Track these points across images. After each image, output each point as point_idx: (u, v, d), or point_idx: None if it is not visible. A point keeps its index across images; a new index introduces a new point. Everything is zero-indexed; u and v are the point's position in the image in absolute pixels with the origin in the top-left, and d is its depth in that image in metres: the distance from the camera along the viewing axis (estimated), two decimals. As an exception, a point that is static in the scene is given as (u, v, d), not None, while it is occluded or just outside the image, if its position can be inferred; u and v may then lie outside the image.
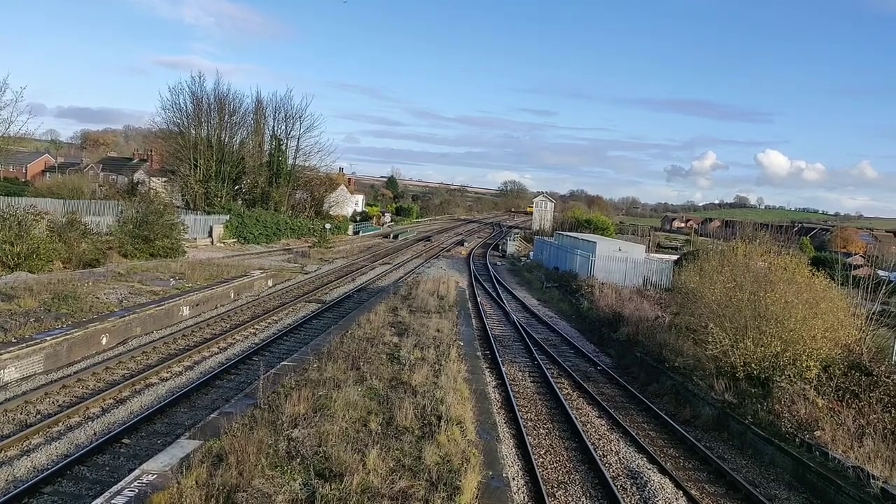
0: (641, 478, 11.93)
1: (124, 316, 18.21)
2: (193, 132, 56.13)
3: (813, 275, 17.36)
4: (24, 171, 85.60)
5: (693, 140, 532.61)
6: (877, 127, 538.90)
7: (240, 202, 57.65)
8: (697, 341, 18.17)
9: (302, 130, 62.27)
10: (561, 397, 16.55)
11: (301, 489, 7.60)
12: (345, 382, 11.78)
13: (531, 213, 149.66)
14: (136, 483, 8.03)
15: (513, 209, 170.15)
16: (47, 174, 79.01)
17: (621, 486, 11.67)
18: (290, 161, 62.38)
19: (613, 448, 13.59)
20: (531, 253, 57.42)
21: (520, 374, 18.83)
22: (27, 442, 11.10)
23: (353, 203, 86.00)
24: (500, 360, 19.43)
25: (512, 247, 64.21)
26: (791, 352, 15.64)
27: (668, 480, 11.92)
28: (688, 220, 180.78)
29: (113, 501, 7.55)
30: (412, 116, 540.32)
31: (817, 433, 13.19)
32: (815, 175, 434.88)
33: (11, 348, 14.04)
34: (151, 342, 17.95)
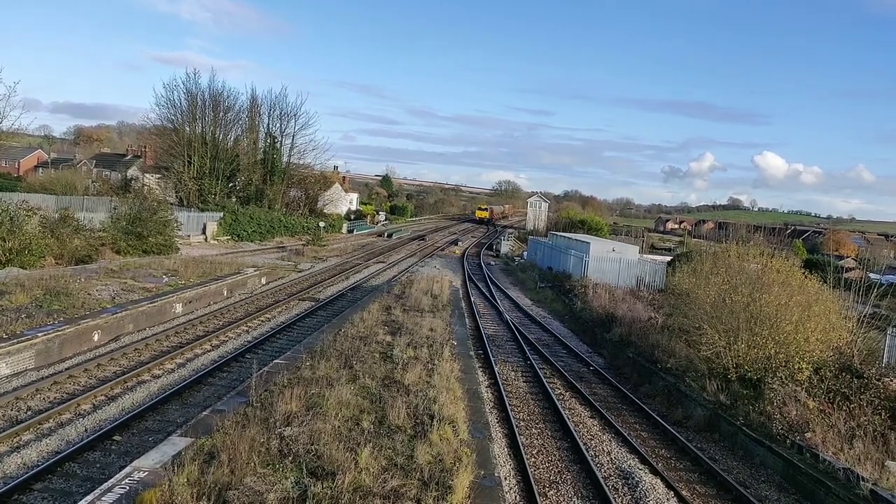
0: (633, 478, 11.97)
1: (116, 313, 18.13)
2: (188, 129, 55.88)
3: (806, 277, 17.45)
4: (16, 166, 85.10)
5: (689, 141, 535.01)
6: (875, 130, 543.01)
7: (234, 199, 57.42)
8: (690, 343, 18.24)
9: (297, 128, 62.14)
10: (553, 397, 16.57)
11: (293, 487, 7.58)
12: (337, 381, 11.76)
13: (480, 216, 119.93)
14: (127, 480, 8.00)
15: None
16: (40, 170, 78.54)
17: (613, 486, 11.71)
18: (284, 159, 62.18)
19: (605, 448, 13.62)
20: (525, 253, 57.49)
21: (512, 373, 18.84)
22: (17, 438, 11.04)
23: (347, 201, 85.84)
24: (493, 359, 19.44)
25: (506, 247, 64.27)
26: (784, 354, 15.72)
27: (659, 481, 11.96)
28: (681, 222, 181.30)
29: (104, 498, 7.52)
30: (409, 115, 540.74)
31: (808, 435, 13.26)
32: (811, 178, 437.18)
33: (3, 344, 13.95)
34: (144, 339, 17.88)
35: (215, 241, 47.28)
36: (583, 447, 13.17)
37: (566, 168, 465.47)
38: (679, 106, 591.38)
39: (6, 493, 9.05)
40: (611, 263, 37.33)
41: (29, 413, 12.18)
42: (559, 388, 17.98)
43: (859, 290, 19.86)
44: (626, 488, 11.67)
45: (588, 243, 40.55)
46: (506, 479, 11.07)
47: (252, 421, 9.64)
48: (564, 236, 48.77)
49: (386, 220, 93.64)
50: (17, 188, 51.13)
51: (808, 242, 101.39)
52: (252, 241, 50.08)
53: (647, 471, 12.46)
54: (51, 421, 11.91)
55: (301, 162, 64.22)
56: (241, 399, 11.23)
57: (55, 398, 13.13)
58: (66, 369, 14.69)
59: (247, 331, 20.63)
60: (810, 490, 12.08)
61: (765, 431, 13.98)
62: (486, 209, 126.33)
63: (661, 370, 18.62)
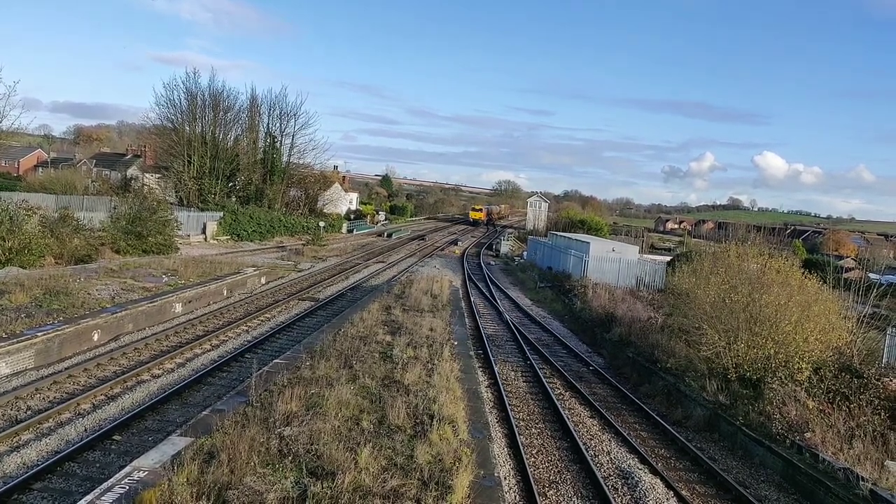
0: (633, 478, 11.98)
1: (116, 312, 18.13)
2: (188, 128, 55.91)
3: (805, 277, 17.46)
4: (16, 165, 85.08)
5: (689, 141, 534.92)
6: (875, 130, 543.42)
7: (234, 199, 57.43)
8: (690, 343, 18.24)
9: (297, 128, 62.24)
10: (553, 397, 16.57)
11: (293, 487, 7.59)
12: (337, 381, 11.77)
13: (475, 217, 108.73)
14: (126, 480, 8.00)
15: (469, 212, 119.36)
16: (40, 169, 78.49)
17: (612, 485, 11.71)
18: (284, 158, 62.23)
19: (605, 448, 13.63)
20: (525, 253, 57.51)
21: (512, 373, 18.84)
22: (17, 438, 11.04)
23: (347, 201, 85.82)
24: (492, 359, 19.44)
25: (506, 246, 64.30)
26: (783, 354, 15.72)
27: (658, 481, 11.97)
28: (681, 222, 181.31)
29: (103, 498, 7.52)
30: (409, 115, 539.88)
31: (808, 435, 13.27)
32: (811, 178, 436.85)
33: (2, 344, 13.95)
34: (143, 339, 17.87)
35: (215, 241, 47.28)
36: (582, 447, 13.18)
37: (566, 168, 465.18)
38: (679, 106, 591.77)
39: (6, 493, 9.05)
40: (610, 263, 37.34)
41: (29, 413, 12.17)
42: (559, 388, 17.98)
43: (859, 290, 19.88)
44: (625, 488, 11.67)
45: (588, 243, 40.56)
46: (505, 478, 11.07)
47: (252, 421, 9.64)
48: (564, 236, 48.78)
49: (386, 219, 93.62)
50: (16, 188, 51.14)
51: (808, 242, 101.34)
52: (252, 241, 50.06)
53: (646, 470, 12.46)
54: (50, 420, 11.91)
55: (301, 162, 64.34)
56: (241, 399, 11.22)
57: (55, 398, 13.12)
58: (66, 369, 14.68)
59: (246, 330, 20.63)
60: (810, 490, 12.08)
61: (764, 431, 13.99)
62: (481, 209, 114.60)
63: (660, 370, 18.62)
